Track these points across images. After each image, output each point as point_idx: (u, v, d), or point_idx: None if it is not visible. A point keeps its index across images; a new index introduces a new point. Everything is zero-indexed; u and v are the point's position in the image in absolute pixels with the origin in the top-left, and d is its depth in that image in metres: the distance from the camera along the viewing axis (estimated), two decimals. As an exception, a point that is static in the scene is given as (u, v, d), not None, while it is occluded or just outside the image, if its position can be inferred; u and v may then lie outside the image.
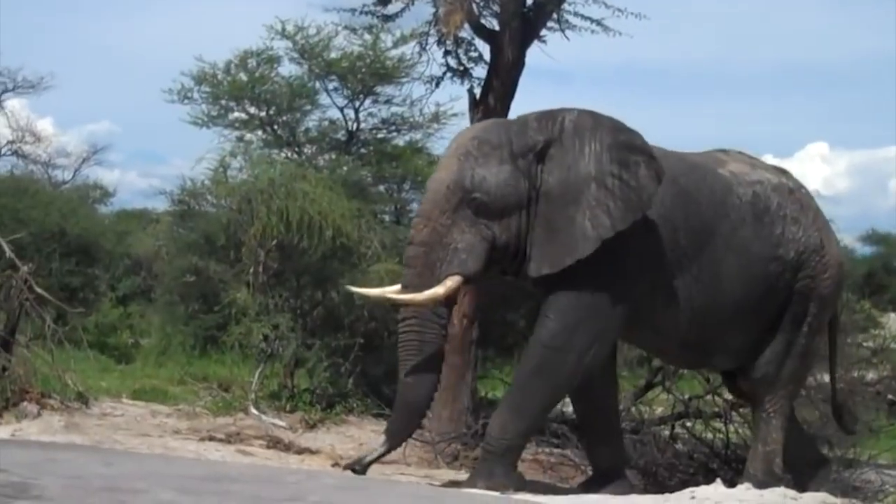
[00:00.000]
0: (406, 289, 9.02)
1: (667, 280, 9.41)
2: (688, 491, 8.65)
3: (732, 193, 9.83)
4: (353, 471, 8.89)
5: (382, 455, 9.13)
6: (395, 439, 9.20)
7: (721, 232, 9.67)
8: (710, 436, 12.62)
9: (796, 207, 10.11)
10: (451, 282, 8.88)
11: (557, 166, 9.07)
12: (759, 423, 10.24)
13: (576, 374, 9.25)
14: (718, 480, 9.11)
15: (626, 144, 9.20)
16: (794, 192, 10.28)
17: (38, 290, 12.68)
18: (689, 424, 12.90)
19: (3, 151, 38.59)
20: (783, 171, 10.52)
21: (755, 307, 9.84)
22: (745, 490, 8.59)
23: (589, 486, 10.01)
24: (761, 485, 9.35)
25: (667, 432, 12.74)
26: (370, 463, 9.00)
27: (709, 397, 12.83)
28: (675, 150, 9.98)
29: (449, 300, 9.06)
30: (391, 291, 9.35)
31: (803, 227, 10.04)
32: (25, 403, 11.66)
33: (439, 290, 8.82)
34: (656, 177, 9.14)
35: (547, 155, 9.10)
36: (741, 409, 12.40)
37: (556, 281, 9.04)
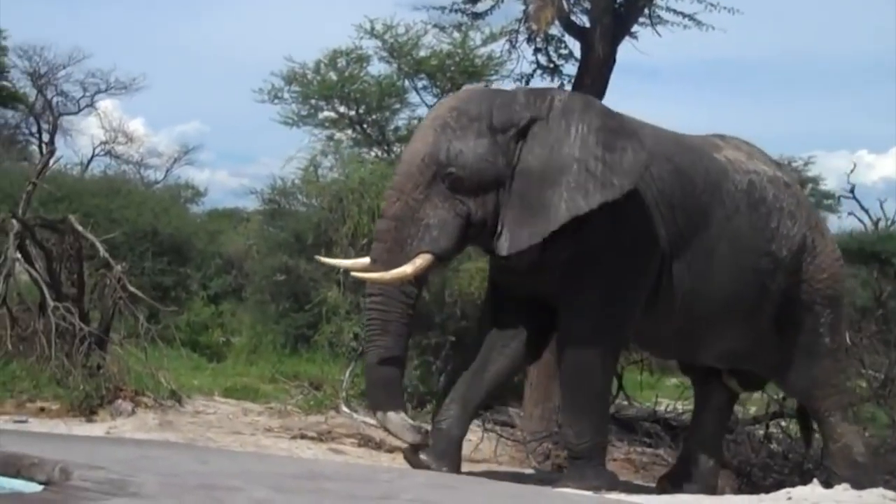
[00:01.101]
0: (374, 263, 8.70)
1: (666, 260, 9.25)
2: (784, 491, 8.53)
3: (728, 180, 9.60)
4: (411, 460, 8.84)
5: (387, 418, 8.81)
6: (388, 408, 8.79)
7: (715, 218, 9.43)
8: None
9: (793, 202, 9.91)
10: (421, 260, 8.54)
11: (539, 145, 8.76)
12: (821, 428, 10.25)
13: (615, 353, 9.35)
14: (815, 481, 8.99)
15: (614, 129, 8.88)
16: (791, 187, 10.09)
17: (132, 288, 12.81)
18: (783, 424, 12.72)
19: (96, 152, 39.24)
20: (779, 165, 10.33)
21: (744, 304, 9.61)
22: (842, 491, 8.46)
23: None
24: (853, 480, 9.27)
25: (761, 432, 12.58)
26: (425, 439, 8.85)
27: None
28: (669, 130, 9.81)
29: (419, 278, 8.72)
30: (361, 264, 9.07)
31: (798, 223, 9.82)
32: (120, 401, 11.78)
33: (407, 269, 8.49)
34: (642, 165, 8.82)
35: (529, 132, 8.78)
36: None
37: (564, 266, 8.90)
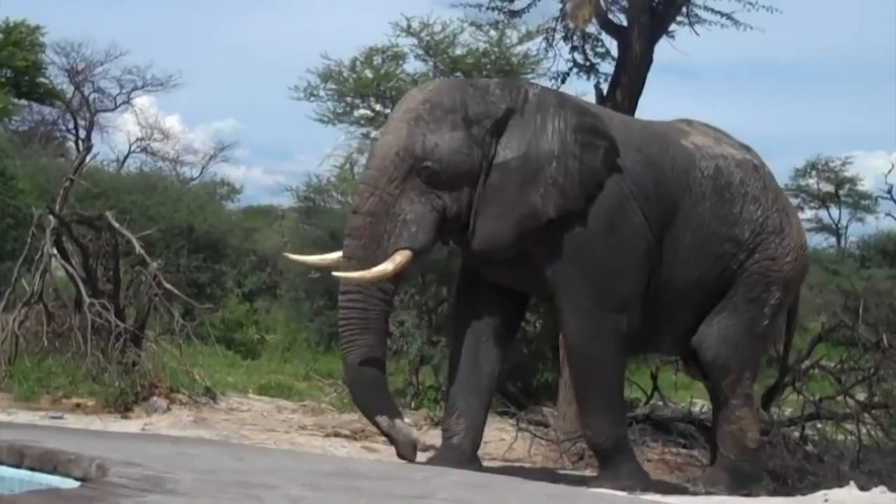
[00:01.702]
0: (350, 260, 8.60)
1: (652, 249, 9.17)
2: (820, 494, 8.48)
3: (695, 167, 9.48)
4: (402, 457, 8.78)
5: (396, 427, 8.77)
6: (392, 414, 8.78)
7: (682, 206, 9.33)
8: (841, 438, 12.34)
9: (758, 186, 9.73)
10: (401, 257, 8.47)
11: (517, 139, 8.72)
12: (720, 407, 9.91)
13: (620, 347, 9.13)
14: (852, 483, 8.92)
15: (590, 127, 8.88)
16: (759, 170, 9.90)
17: (167, 285, 12.88)
18: (819, 426, 12.63)
19: (132, 149, 39.43)
20: (747, 148, 10.10)
21: (706, 289, 9.49)
22: (879, 493, 8.41)
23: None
24: (734, 465, 9.50)
25: (797, 434, 12.49)
26: (413, 445, 8.86)
27: (840, 398, 12.57)
28: (636, 119, 9.72)
29: (396, 275, 8.63)
30: (332, 261, 8.97)
31: (763, 207, 9.66)
32: (155, 398, 11.84)
33: (388, 266, 8.41)
34: (610, 164, 8.84)
35: (506, 125, 8.74)
36: (874, 411, 12.16)
37: (550, 263, 8.81)
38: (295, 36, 67.28)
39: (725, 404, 9.79)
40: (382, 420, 8.79)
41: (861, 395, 12.27)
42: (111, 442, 8.20)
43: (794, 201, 43.27)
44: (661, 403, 13.84)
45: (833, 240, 42.35)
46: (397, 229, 8.50)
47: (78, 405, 11.47)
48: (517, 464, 11.10)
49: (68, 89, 38.30)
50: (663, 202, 9.23)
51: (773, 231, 9.69)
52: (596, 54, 13.78)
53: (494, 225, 8.68)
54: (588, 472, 10.69)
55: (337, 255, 8.92)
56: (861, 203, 41.29)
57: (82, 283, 12.54)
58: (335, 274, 8.77)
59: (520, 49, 16.94)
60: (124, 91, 39.70)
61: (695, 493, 9.67)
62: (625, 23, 12.64)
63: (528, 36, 15.62)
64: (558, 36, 13.68)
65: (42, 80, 35.82)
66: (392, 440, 8.88)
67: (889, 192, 30.21)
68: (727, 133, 10.16)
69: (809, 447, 12.35)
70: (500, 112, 8.74)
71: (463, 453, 8.97)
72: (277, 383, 14.89)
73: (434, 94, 8.84)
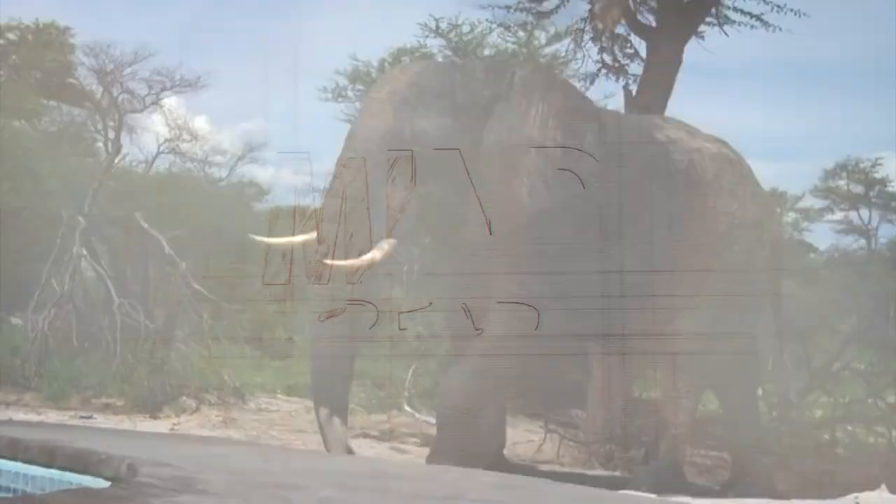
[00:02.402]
0: (328, 245, 8.38)
1: (599, 251, 8.93)
2: (851, 496, 8.45)
3: (668, 160, 9.32)
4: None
5: (332, 423, 8.64)
6: (336, 412, 8.67)
7: (654, 202, 9.14)
8: (871, 440, 12.27)
9: (734, 180, 9.57)
10: (387, 245, 8.36)
11: (500, 125, 8.54)
12: (667, 405, 9.74)
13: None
14: (883, 486, 8.87)
15: (576, 110, 8.70)
16: (735, 164, 9.73)
17: (196, 286, 12.86)
18: (849, 428, 12.56)
19: (161, 149, 39.41)
20: (723, 142, 9.93)
21: (683, 287, 9.18)
22: (908, 496, 8.36)
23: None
24: (662, 471, 9.45)
25: (827, 436, 12.43)
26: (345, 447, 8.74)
27: (870, 401, 12.49)
28: (611, 110, 9.53)
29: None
30: (298, 244, 8.83)
31: (740, 200, 9.50)
32: (184, 398, 11.85)
33: (376, 254, 8.30)
34: (601, 148, 8.63)
35: (493, 111, 8.57)
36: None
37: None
38: (324, 36, 67.26)
39: (676, 404, 9.65)
40: (323, 411, 8.64)
41: (892, 398, 12.20)
42: (141, 442, 8.23)
43: (824, 203, 43.17)
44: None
45: (863, 242, 42.15)
46: (382, 216, 8.32)
47: (107, 405, 11.52)
48: (546, 465, 11.07)
49: (97, 90, 38.37)
50: (633, 196, 9.05)
51: (752, 225, 9.56)
52: (625, 55, 13.72)
53: (483, 216, 8.45)
54: (618, 474, 10.67)
55: (302, 238, 8.76)
56: (892, 205, 40.99)
57: (111, 283, 12.56)
58: (326, 261, 8.51)
59: (548, 50, 16.88)
60: (153, 92, 39.45)
61: (723, 496, 9.66)
62: (654, 24, 12.59)
63: (557, 37, 15.58)
64: (587, 37, 13.62)
65: (71, 81, 35.91)
66: (323, 434, 8.71)
67: (920, 193, 30.01)
68: (699, 129, 10.02)
69: (840, 450, 12.31)
70: (484, 99, 8.57)
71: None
72: (306, 384, 14.82)
73: (420, 77, 8.67)
